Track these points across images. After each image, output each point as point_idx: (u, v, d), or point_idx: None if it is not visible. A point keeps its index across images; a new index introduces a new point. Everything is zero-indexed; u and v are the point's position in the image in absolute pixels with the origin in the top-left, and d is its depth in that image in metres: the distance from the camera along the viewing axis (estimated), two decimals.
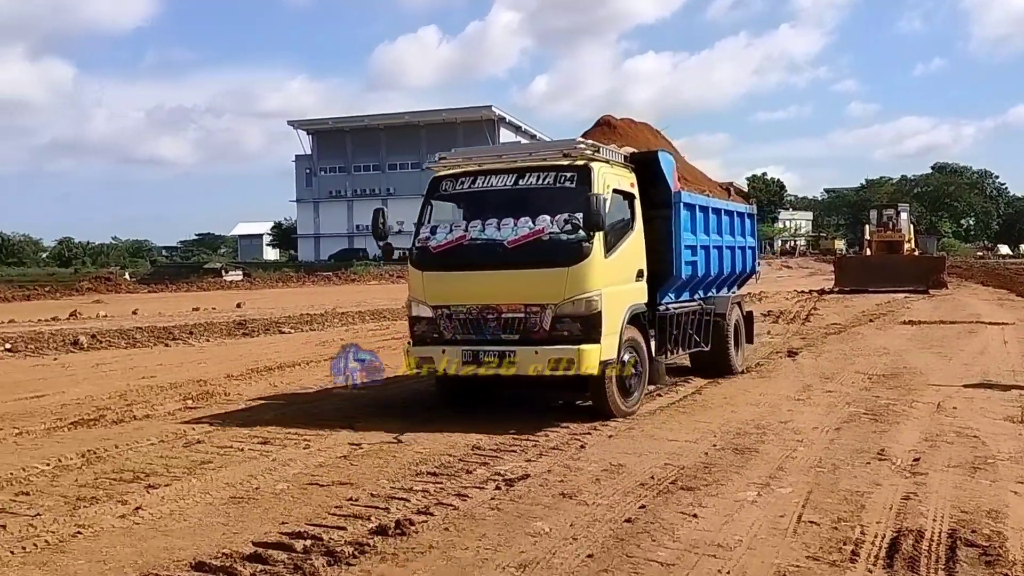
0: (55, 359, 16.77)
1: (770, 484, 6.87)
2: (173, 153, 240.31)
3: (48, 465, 7.92)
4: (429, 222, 9.90)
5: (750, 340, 14.05)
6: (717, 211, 12.30)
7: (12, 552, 5.59)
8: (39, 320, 25.87)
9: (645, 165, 10.50)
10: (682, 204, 10.79)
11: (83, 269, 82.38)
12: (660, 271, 10.45)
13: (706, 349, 12.24)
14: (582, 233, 8.99)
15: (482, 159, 10.08)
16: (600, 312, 8.98)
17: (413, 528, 5.85)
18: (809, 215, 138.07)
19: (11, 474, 7.58)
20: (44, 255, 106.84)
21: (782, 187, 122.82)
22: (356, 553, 5.42)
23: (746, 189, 15.87)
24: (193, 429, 9.42)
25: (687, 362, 12.99)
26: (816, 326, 20.40)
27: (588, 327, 8.96)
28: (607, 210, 9.05)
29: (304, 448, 8.42)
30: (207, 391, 11.94)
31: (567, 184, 9.28)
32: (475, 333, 9.36)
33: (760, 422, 9.32)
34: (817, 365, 13.73)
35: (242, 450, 8.41)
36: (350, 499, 6.62)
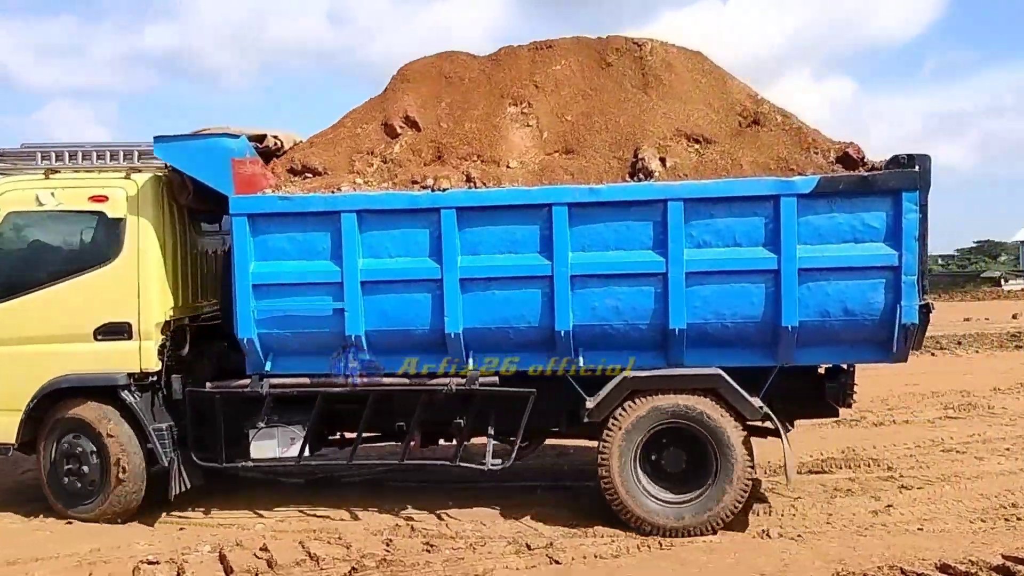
0: None
1: None
2: (950, 159, 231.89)
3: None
4: None
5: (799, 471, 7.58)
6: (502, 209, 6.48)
7: (778, 528, 6.47)
8: None
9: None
10: (243, 219, 6.74)
11: None
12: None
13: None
14: None
15: None
16: None
17: None
18: None
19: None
20: None
21: None
22: None
23: None
24: (951, 438, 9.37)
25: None
26: None
27: None
28: None
29: None
30: (970, 402, 11.66)
31: None
32: None
33: None
34: None
35: (1000, 463, 8.19)
36: None
